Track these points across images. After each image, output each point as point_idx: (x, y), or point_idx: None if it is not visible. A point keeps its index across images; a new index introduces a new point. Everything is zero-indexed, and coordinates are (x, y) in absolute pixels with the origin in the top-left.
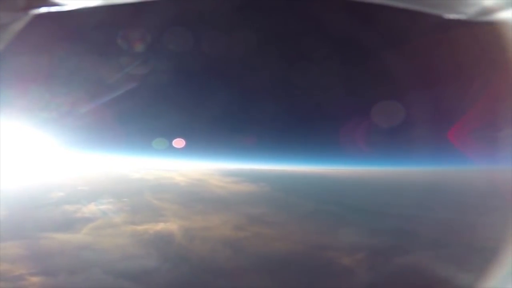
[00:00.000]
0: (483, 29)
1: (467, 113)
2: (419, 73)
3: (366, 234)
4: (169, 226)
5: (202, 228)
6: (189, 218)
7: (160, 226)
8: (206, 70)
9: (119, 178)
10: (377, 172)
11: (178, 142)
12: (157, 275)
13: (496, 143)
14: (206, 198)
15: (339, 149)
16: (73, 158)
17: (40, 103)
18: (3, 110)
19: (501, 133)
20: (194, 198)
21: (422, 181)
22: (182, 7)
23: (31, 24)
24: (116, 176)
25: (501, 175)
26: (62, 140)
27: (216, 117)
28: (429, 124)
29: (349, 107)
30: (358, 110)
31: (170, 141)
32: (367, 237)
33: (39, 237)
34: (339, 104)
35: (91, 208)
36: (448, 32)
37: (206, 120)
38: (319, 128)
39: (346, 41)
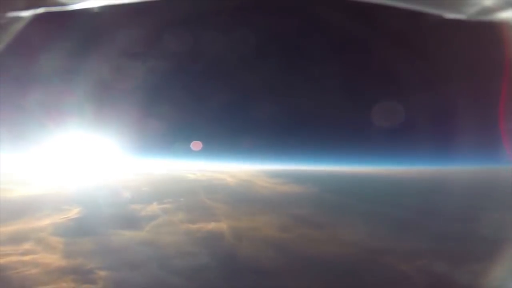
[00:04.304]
0: (483, 29)
1: (467, 112)
2: (419, 72)
3: (424, 237)
4: (220, 225)
5: (250, 228)
6: (238, 218)
7: (211, 225)
8: (236, 71)
9: (177, 180)
10: (428, 171)
11: (196, 145)
12: (205, 272)
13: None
14: (254, 199)
15: (390, 149)
16: (134, 161)
17: (39, 103)
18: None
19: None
20: (243, 199)
21: (472, 180)
22: (182, 7)
23: (31, 24)
24: (174, 178)
25: None
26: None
27: (263, 119)
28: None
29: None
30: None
31: (217, 144)
32: (425, 240)
33: (109, 233)
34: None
35: (153, 207)
36: (448, 32)
37: (253, 122)
38: (368, 128)
39: (346, 41)
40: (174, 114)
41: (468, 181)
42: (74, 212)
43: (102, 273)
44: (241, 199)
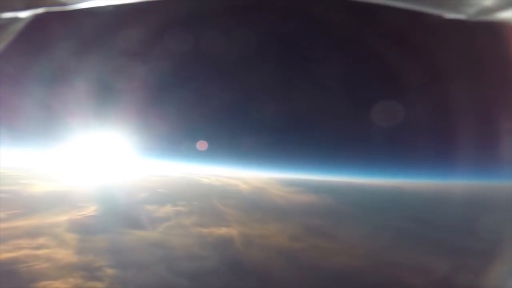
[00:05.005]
0: (483, 29)
1: (467, 113)
2: (419, 73)
3: (438, 252)
4: (230, 231)
5: (260, 235)
6: (249, 225)
7: (222, 230)
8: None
9: (192, 183)
10: (449, 185)
11: (202, 144)
12: (212, 277)
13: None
14: (266, 207)
15: (412, 161)
16: (152, 164)
17: (39, 103)
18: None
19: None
20: (255, 206)
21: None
22: (184, 7)
23: (31, 24)
24: (189, 181)
25: None
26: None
27: (280, 127)
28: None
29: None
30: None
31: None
32: (439, 255)
33: (122, 232)
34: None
35: (167, 209)
36: (448, 32)
37: (270, 129)
38: (389, 138)
39: (346, 41)
40: (192, 119)
41: (486, 196)
42: (90, 210)
43: (110, 271)
44: (254, 206)
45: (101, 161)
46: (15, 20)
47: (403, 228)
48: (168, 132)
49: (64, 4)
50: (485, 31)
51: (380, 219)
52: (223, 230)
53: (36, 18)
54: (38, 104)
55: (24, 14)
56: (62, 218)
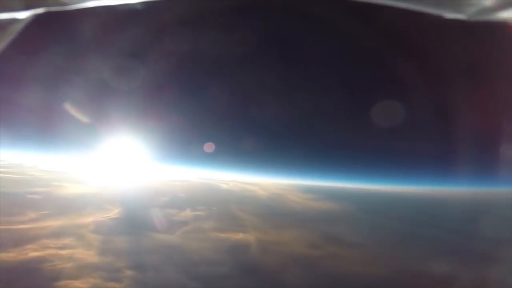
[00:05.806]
0: (483, 29)
1: (467, 113)
2: (418, 73)
3: (462, 261)
4: (247, 236)
5: (277, 242)
6: (266, 231)
7: (239, 236)
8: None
9: (211, 188)
10: (472, 193)
11: (209, 146)
12: (228, 282)
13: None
14: (283, 213)
15: (434, 168)
16: (174, 169)
17: (39, 103)
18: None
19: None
20: (273, 212)
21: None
22: (183, 7)
23: (31, 24)
24: (209, 186)
25: None
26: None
27: (299, 135)
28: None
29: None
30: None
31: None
32: (466, 265)
33: (143, 235)
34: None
35: (186, 214)
36: (448, 32)
37: (287, 136)
38: (411, 146)
39: (346, 41)
40: (213, 125)
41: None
42: (114, 212)
43: (129, 272)
44: (271, 212)
45: (125, 166)
46: (15, 20)
47: (418, 234)
48: (189, 138)
49: (64, 4)
50: (485, 31)
51: (397, 226)
52: (240, 236)
53: (36, 18)
54: (43, 105)
55: (24, 14)
56: (88, 219)
